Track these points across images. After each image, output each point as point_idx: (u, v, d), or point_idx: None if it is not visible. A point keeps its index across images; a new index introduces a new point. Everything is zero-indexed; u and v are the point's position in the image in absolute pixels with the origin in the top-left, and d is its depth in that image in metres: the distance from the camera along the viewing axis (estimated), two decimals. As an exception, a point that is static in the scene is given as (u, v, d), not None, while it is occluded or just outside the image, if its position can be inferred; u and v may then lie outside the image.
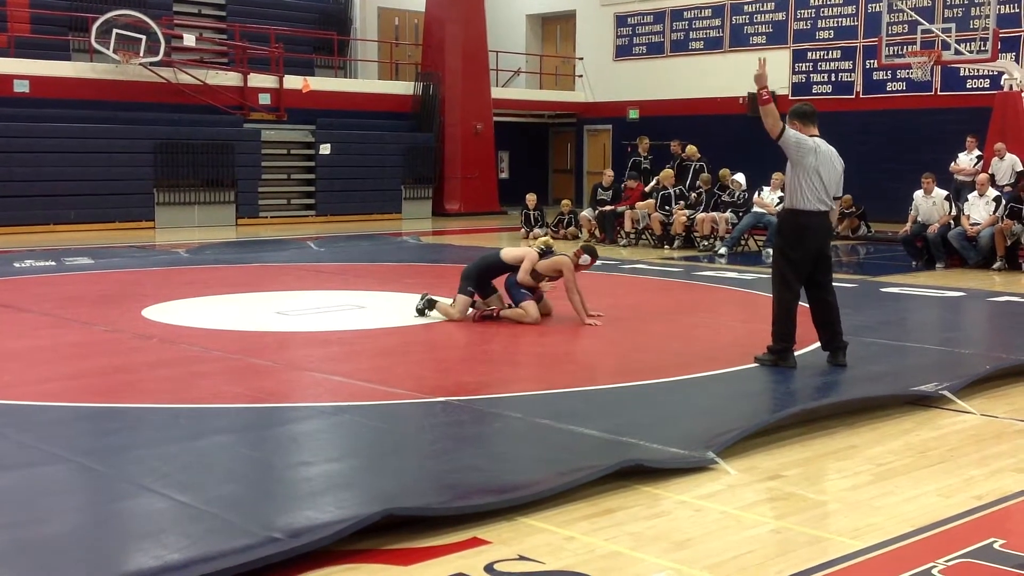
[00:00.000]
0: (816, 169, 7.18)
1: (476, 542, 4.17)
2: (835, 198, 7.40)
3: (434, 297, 9.52)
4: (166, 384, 6.81)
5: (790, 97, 24.31)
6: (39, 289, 11.38)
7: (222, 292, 11.26)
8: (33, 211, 19.14)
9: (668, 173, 17.96)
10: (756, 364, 7.36)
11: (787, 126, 7.20)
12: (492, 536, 4.22)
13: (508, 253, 9.33)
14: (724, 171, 17.57)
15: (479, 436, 5.69)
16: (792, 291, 7.34)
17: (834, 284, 7.55)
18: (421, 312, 9.38)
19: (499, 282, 9.46)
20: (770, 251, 15.54)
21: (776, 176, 16.89)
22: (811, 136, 7.29)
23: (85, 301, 10.41)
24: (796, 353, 7.44)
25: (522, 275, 9.16)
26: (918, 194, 14.85)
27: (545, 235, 18.59)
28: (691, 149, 19.04)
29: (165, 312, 9.67)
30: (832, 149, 7.36)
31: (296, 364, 7.55)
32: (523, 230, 19.22)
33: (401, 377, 7.04)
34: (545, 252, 9.28)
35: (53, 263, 13.67)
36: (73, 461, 5.08)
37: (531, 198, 19.68)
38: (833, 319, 7.41)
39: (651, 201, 17.66)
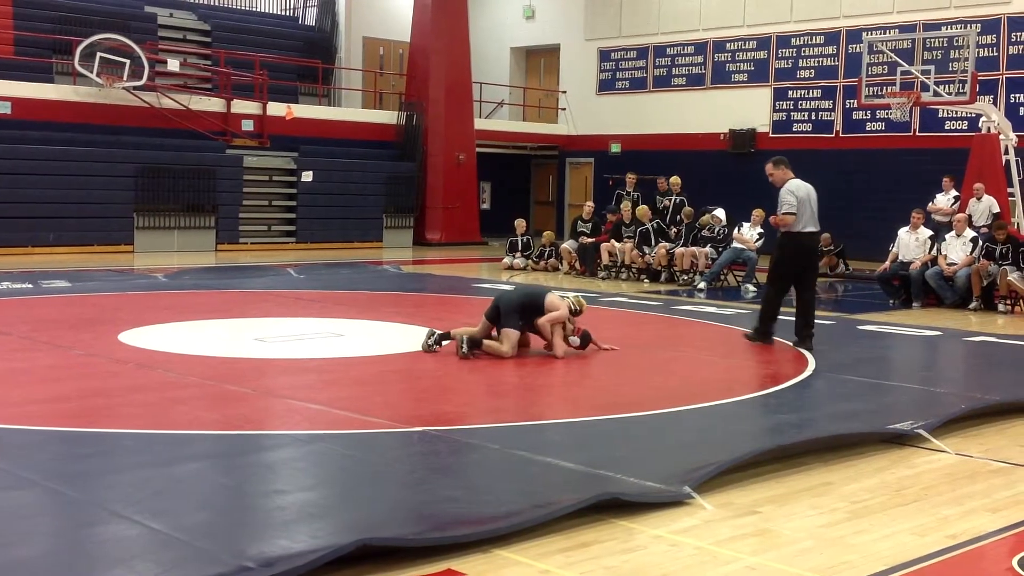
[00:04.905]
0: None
1: (451, 574, 4.14)
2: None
3: (441, 332, 9.15)
4: (141, 409, 6.76)
5: (771, 135, 24.57)
6: (15, 311, 11.30)
7: (200, 318, 11.21)
8: (12, 233, 19.00)
9: (644, 210, 18.00)
10: (734, 400, 7.45)
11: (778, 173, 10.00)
12: (467, 568, 4.20)
13: (551, 302, 9.09)
14: (705, 217, 17.60)
15: (455, 467, 5.67)
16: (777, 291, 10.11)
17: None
18: (430, 348, 9.01)
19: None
20: (749, 287, 15.77)
21: (756, 212, 17.04)
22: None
23: (61, 324, 10.33)
24: (776, 388, 7.67)
25: (545, 320, 9.04)
26: (903, 230, 14.99)
27: (525, 267, 18.73)
28: (675, 180, 19.10)
29: (142, 337, 9.62)
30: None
31: (273, 391, 7.52)
32: (506, 259, 19.20)
33: (378, 406, 7.02)
34: (576, 312, 9.25)
35: (30, 285, 13.58)
36: (45, 485, 5.03)
37: (520, 224, 19.72)
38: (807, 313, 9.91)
39: (629, 244, 17.58)
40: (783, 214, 9.74)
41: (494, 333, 9.13)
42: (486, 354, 8.96)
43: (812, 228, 9.86)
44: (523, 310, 9.11)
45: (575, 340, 9.27)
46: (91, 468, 5.38)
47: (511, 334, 8.99)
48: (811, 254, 10.10)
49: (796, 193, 9.74)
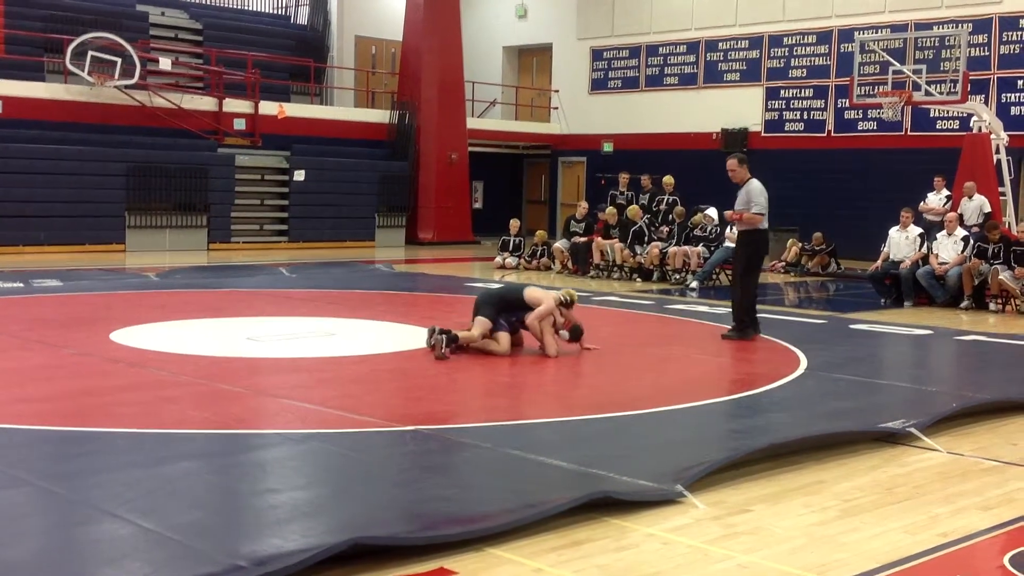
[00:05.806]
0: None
1: (443, 573, 4.14)
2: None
3: (441, 329, 8.91)
4: (133, 409, 6.74)
5: (763, 134, 24.60)
6: (6, 311, 11.26)
7: (192, 317, 11.19)
8: (2, 232, 18.94)
9: (635, 209, 18.00)
10: (726, 398, 7.46)
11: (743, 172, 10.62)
12: (459, 567, 4.20)
13: (531, 294, 9.11)
14: (697, 217, 17.61)
15: (448, 466, 5.67)
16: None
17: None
18: (442, 352, 8.71)
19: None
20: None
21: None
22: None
23: (53, 324, 10.31)
24: (768, 387, 7.70)
25: (532, 318, 9.00)
26: (893, 230, 15.02)
27: (517, 265, 18.73)
28: (668, 179, 19.10)
29: (134, 336, 9.59)
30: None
31: (265, 390, 7.51)
32: (497, 258, 19.22)
33: (370, 405, 7.01)
34: (567, 304, 9.22)
35: (21, 285, 13.54)
36: (36, 485, 5.02)
37: (514, 224, 19.75)
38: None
39: (618, 244, 17.58)
40: (755, 214, 10.43)
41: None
42: (465, 349, 8.95)
43: (766, 224, 10.77)
44: (501, 303, 9.14)
45: (565, 334, 9.27)
46: (83, 467, 5.37)
47: (482, 321, 8.99)
48: (766, 248, 11.09)
49: (764, 195, 10.49)
